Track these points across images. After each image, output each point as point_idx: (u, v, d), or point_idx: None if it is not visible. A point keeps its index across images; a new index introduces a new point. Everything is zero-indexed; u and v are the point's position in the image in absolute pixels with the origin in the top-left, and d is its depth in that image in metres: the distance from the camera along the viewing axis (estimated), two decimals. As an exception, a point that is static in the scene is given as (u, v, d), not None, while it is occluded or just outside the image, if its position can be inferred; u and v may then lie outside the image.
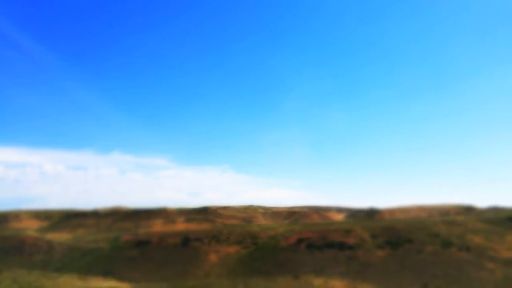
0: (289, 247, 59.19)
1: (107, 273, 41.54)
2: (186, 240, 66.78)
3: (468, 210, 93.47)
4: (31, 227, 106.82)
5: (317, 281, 22.61)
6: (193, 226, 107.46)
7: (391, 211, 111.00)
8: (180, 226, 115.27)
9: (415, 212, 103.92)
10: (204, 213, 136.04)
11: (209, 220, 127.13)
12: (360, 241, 56.84)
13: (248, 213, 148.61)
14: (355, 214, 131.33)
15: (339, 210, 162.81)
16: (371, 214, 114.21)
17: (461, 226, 59.13)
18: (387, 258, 51.35)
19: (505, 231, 55.97)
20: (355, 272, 45.52)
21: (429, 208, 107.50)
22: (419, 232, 56.68)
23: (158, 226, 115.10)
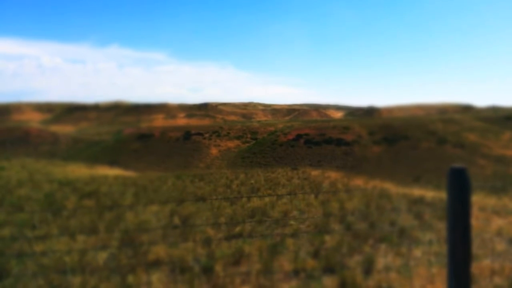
0: (288, 143, 60.69)
1: (112, 163, 43.21)
2: (187, 134, 68.22)
3: (466, 109, 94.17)
4: (34, 119, 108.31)
5: (314, 172, 23.54)
6: (194, 122, 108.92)
7: (390, 110, 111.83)
8: (181, 121, 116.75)
9: (413, 110, 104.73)
10: (204, 109, 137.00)
11: (210, 116, 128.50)
12: (357, 138, 58.14)
13: (248, 109, 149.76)
14: (354, 112, 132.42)
15: (339, 108, 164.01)
16: (370, 112, 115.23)
17: (458, 124, 60.01)
18: (382, 154, 52.99)
19: (501, 129, 56.95)
20: (350, 166, 47.32)
21: (427, 107, 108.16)
22: (415, 129, 57.68)
23: (159, 121, 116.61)
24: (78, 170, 23.70)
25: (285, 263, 5.49)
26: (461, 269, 2.93)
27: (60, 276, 4.73)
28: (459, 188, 2.91)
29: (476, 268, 3.65)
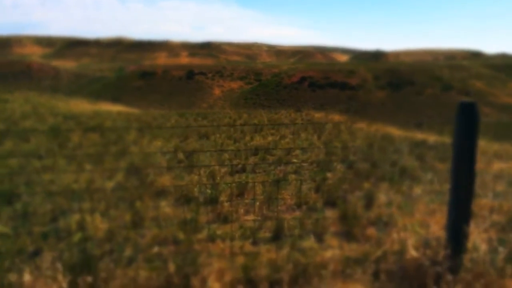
0: (292, 85, 60.15)
1: (115, 100, 43.19)
2: (190, 73, 67.45)
3: (475, 56, 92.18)
4: (35, 53, 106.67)
5: (318, 114, 23.55)
6: (197, 61, 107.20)
7: (397, 54, 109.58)
8: (184, 60, 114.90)
9: (421, 55, 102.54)
10: (207, 48, 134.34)
11: (213, 55, 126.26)
12: (362, 82, 57.49)
13: (252, 50, 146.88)
14: (360, 56, 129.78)
15: (344, 51, 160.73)
16: (376, 56, 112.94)
17: (465, 70, 59.05)
18: (386, 99, 52.67)
19: (509, 77, 56.10)
20: (354, 110, 47.18)
21: (435, 53, 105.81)
22: (421, 75, 56.87)
23: (161, 59, 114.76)
24: (81, 105, 23.72)
25: (287, 196, 5.63)
26: (463, 201, 3.00)
27: (68, 201, 4.87)
28: (468, 122, 2.91)
29: (475, 205, 3.73)
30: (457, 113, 2.93)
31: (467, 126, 2.92)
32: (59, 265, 2.56)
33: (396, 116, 42.94)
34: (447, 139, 12.15)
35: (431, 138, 13.32)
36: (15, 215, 4.52)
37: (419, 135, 14.52)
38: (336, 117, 24.04)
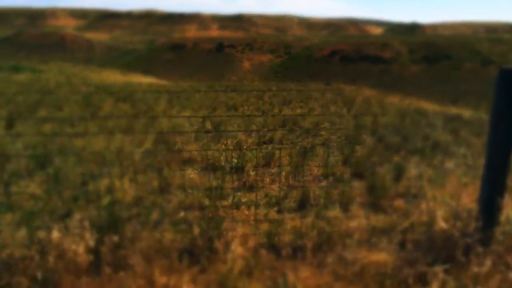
0: (322, 58, 58.98)
1: (145, 72, 43.66)
2: (220, 46, 67.10)
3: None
4: (69, 25, 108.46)
5: (349, 88, 23.06)
6: (227, 34, 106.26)
7: (434, 27, 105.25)
8: (214, 32, 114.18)
9: (460, 28, 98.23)
10: (238, 20, 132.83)
11: (243, 28, 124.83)
12: (396, 56, 55.73)
13: (283, 22, 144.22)
14: (395, 29, 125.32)
15: (379, 24, 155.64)
16: (412, 29, 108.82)
17: (506, 44, 56.22)
18: (421, 73, 50.98)
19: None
20: (386, 85, 45.95)
21: (475, 25, 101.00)
22: (460, 48, 54.55)
23: (191, 32, 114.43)
24: (114, 76, 24.09)
25: (314, 168, 5.56)
26: (498, 173, 2.86)
27: (98, 166, 4.98)
28: (508, 90, 2.73)
29: (511, 180, 3.57)
30: (497, 80, 2.76)
31: (507, 94, 2.75)
32: (87, 224, 2.62)
33: (430, 91, 41.56)
34: (483, 115, 11.68)
35: (467, 113, 12.86)
36: (47, 178, 4.67)
37: (454, 110, 14.05)
38: (368, 91, 23.51)
